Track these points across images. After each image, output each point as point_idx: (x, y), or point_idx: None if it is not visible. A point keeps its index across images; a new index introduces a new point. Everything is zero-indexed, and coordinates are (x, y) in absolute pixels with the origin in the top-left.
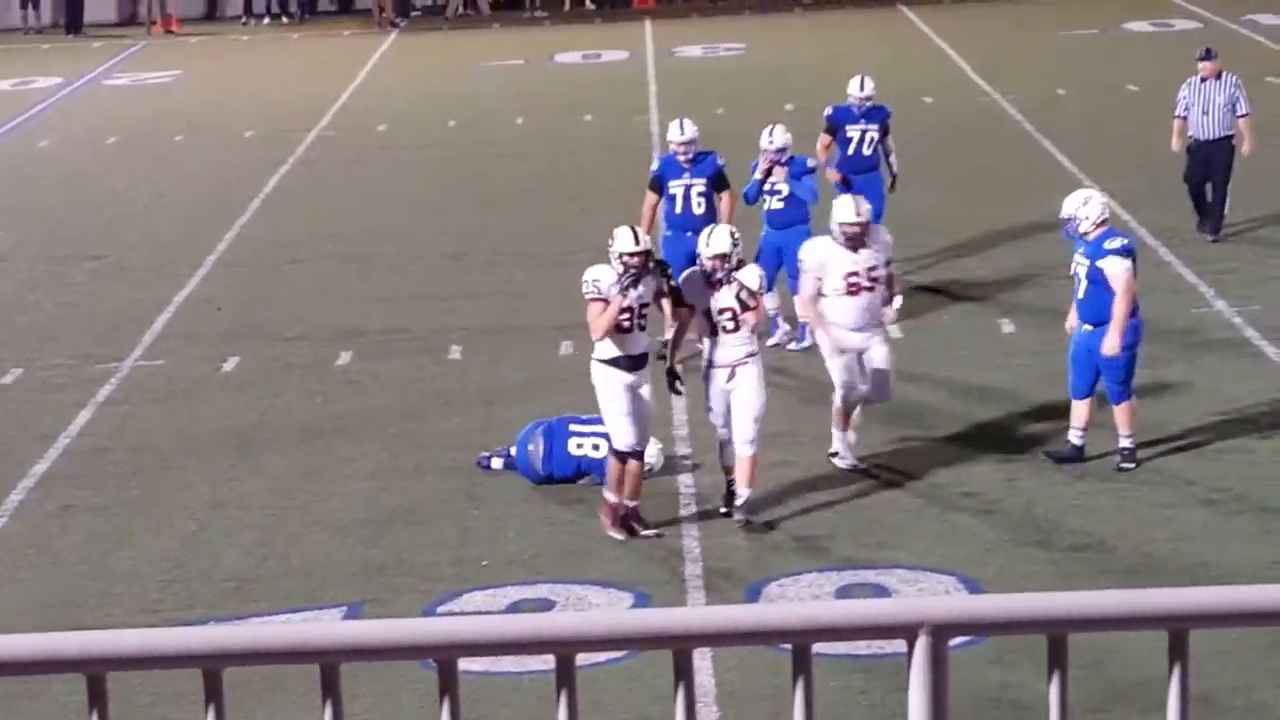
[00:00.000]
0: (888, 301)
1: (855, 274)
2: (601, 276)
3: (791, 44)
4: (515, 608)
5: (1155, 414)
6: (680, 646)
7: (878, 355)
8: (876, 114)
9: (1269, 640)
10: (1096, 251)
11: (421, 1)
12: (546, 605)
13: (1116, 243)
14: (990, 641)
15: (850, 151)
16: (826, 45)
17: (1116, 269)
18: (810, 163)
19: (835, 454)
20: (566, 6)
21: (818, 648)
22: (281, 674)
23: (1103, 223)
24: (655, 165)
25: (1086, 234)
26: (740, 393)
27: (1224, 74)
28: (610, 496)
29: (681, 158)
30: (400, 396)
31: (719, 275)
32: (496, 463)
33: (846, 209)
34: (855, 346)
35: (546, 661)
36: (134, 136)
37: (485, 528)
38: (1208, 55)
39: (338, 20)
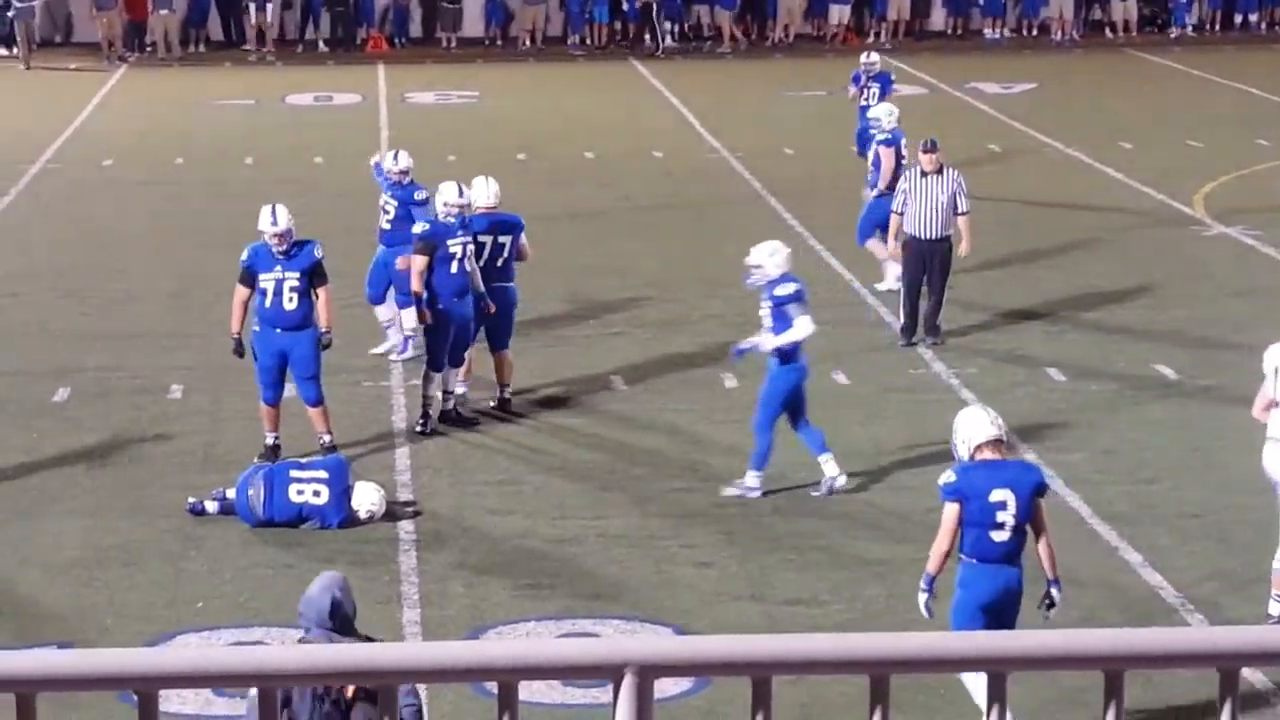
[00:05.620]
0: None
1: None
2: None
3: (524, 95)
4: None
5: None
6: (381, 683)
7: None
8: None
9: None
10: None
11: (152, 37)
12: None
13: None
14: (704, 693)
15: (453, 270)
16: (560, 97)
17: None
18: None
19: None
20: (300, 48)
21: (533, 697)
22: None
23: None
24: (245, 255)
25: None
26: None
27: (945, 168)
28: None
29: (276, 249)
30: (118, 435)
31: None
32: (211, 506)
33: None
34: None
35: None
36: None
37: (202, 570)
38: (931, 147)
39: (64, 52)
